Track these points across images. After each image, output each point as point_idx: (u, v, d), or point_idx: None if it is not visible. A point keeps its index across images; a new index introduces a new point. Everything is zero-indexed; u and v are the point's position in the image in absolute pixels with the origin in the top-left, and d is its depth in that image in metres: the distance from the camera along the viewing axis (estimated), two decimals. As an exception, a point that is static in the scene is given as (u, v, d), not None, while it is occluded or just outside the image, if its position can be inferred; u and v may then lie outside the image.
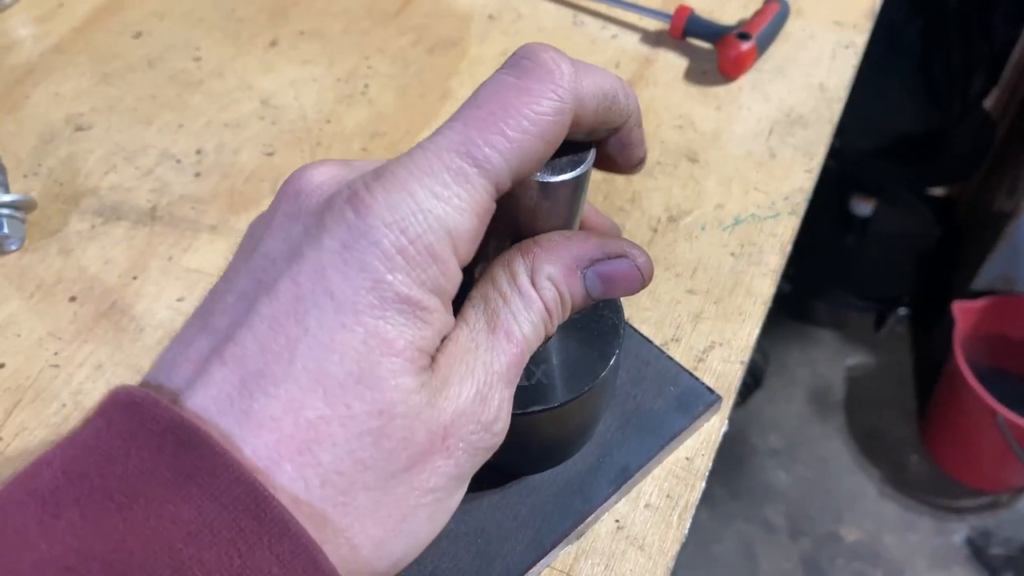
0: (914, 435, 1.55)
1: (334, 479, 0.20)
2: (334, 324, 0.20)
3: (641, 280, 0.27)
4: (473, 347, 0.23)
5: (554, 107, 0.22)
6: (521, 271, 0.25)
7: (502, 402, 0.24)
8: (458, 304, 0.24)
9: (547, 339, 0.26)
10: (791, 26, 0.60)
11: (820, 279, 1.66)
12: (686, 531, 0.38)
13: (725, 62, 0.55)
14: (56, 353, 0.43)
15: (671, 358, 0.41)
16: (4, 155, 0.51)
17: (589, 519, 0.37)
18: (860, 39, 0.59)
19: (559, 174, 0.24)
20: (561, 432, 0.36)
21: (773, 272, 0.46)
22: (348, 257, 0.20)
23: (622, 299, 0.34)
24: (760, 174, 0.50)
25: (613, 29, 0.60)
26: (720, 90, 0.56)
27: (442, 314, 0.22)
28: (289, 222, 0.22)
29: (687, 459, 0.39)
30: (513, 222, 0.26)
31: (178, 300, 0.45)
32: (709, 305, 0.45)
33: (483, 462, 0.24)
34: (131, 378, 0.42)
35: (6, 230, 0.46)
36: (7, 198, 0.46)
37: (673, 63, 0.58)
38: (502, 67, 0.23)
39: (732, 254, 0.47)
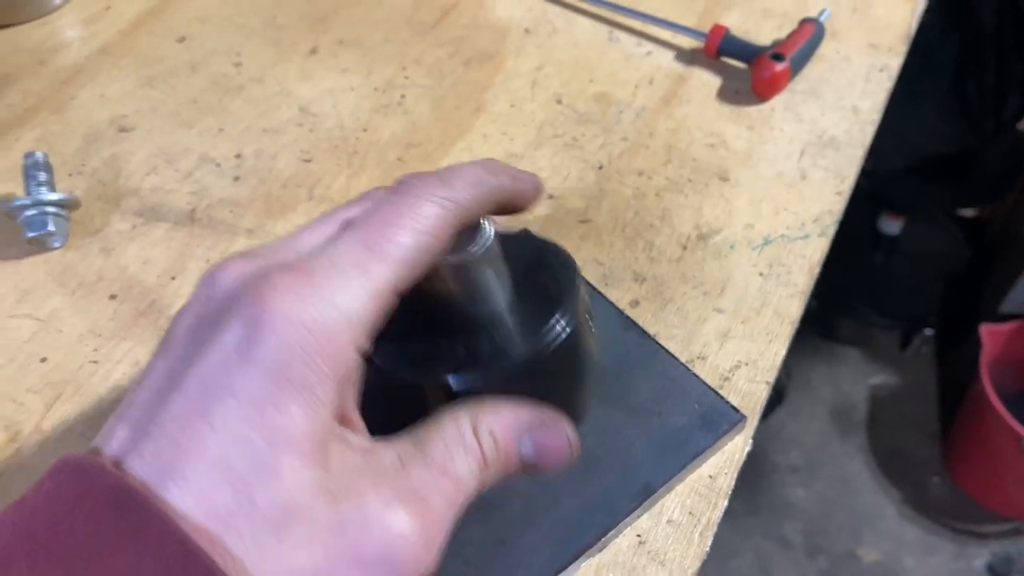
0: (937, 457, 1.54)
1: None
2: (238, 420, 0.21)
3: (569, 453, 0.30)
4: (395, 469, 0.25)
5: (434, 211, 0.25)
6: (465, 421, 0.27)
7: (428, 541, 0.24)
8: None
9: (477, 493, 0.27)
10: (825, 48, 0.60)
11: (846, 296, 1.66)
12: (707, 548, 0.38)
13: (759, 82, 0.56)
14: (95, 349, 0.44)
15: (696, 376, 0.41)
16: (50, 154, 0.52)
17: (611, 533, 0.37)
18: (895, 62, 0.59)
19: (458, 254, 0.28)
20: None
21: (801, 293, 0.46)
22: (248, 353, 0.22)
23: (578, 261, 0.35)
24: (791, 195, 0.50)
25: (648, 46, 0.61)
26: (753, 110, 0.56)
27: (338, 399, 0.23)
28: (198, 321, 0.24)
29: (710, 477, 0.40)
30: (447, 310, 0.30)
31: (214, 302, 0.46)
32: (736, 324, 0.45)
33: None
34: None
35: (51, 227, 0.47)
36: (53, 196, 0.47)
37: (707, 81, 0.58)
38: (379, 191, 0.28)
39: (761, 274, 0.47)
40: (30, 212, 0.47)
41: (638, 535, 0.38)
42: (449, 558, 0.36)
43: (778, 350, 0.44)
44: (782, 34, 0.60)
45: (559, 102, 0.57)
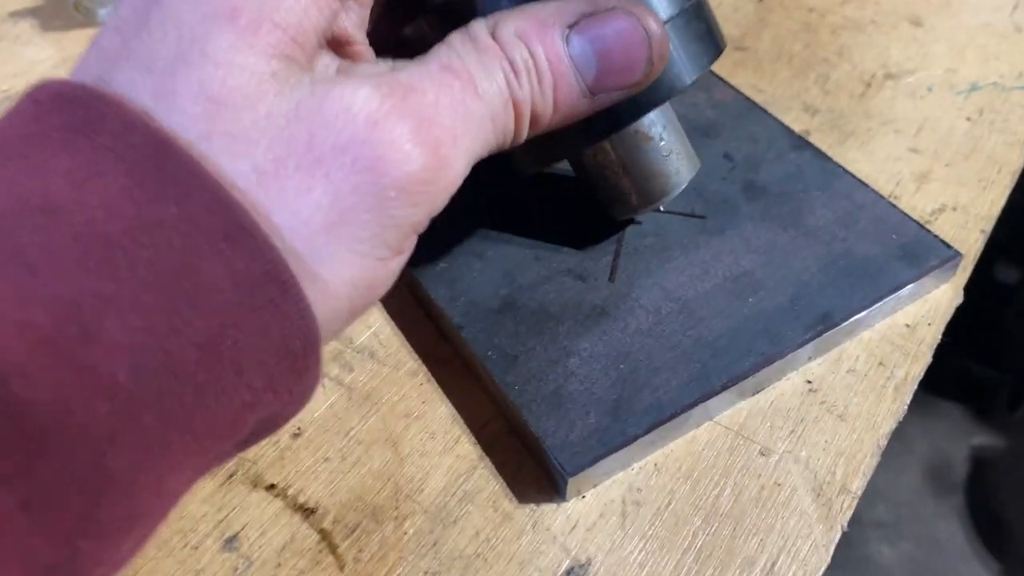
0: (1046, 532, 1.37)
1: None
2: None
3: (648, 50, 0.20)
4: (384, 72, 0.18)
5: None
6: (480, 27, 0.19)
7: (422, 142, 0.17)
8: None
9: (518, 121, 0.19)
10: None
11: (950, 344, 1.51)
12: (904, 407, 0.27)
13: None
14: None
15: (894, 205, 0.31)
16: None
17: (774, 366, 0.27)
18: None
19: None
20: None
21: (1021, 144, 0.35)
22: None
23: None
24: (1003, 46, 0.40)
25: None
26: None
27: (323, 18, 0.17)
28: None
29: (907, 326, 0.29)
30: None
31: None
32: (938, 167, 0.34)
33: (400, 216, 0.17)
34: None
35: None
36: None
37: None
38: None
39: (968, 119, 0.36)
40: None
41: (808, 381, 0.28)
42: (547, 366, 0.27)
43: (995, 199, 0.33)
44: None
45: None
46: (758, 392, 0.27)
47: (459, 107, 0.18)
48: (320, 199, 0.16)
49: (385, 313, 0.30)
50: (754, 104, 0.35)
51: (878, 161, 0.35)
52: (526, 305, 0.28)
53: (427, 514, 0.25)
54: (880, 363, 0.28)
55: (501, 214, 0.31)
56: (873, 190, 0.32)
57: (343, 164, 0.16)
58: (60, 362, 0.13)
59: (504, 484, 0.25)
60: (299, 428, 0.27)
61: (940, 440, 1.53)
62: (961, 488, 1.47)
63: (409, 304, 0.30)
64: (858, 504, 0.25)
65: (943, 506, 1.44)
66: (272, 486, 0.25)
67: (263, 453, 0.26)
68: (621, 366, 0.27)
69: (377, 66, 0.18)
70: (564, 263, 0.30)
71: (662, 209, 0.31)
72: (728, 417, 0.27)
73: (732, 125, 0.34)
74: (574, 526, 0.24)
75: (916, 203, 0.33)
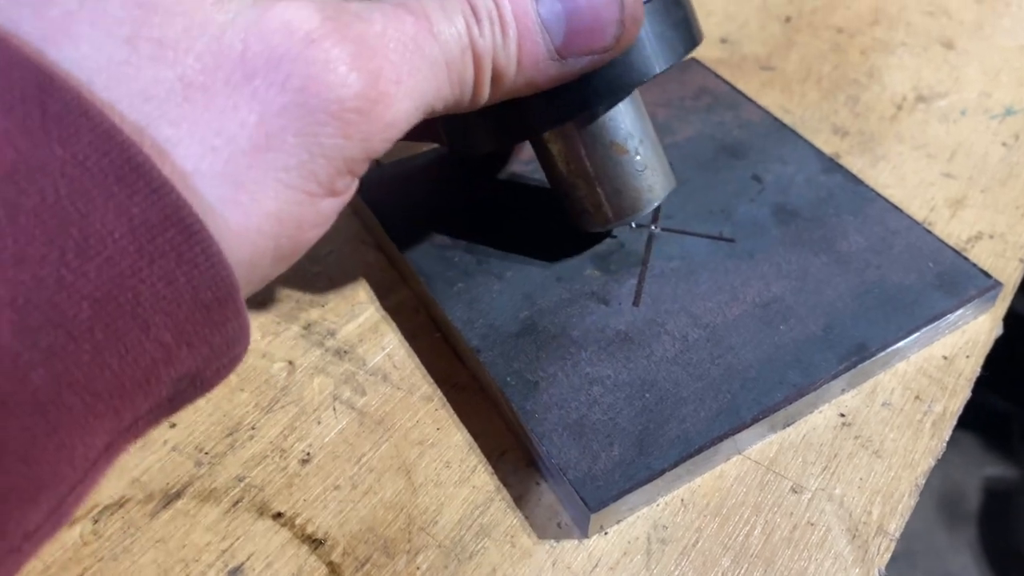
0: (1064, 564, 1.34)
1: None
2: None
3: (620, 12, 0.20)
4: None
5: None
6: None
7: (366, 71, 0.16)
8: None
9: (489, 91, 0.19)
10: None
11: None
12: (943, 445, 0.26)
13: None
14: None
15: (929, 231, 0.30)
16: None
17: (806, 398, 0.26)
18: None
19: None
20: None
21: (1061, 171, 0.34)
22: None
23: None
24: (1038, 70, 0.39)
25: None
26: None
27: None
28: None
29: (944, 358, 0.28)
30: None
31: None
32: (974, 193, 0.33)
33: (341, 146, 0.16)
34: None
35: None
36: None
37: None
38: None
39: (1004, 144, 0.35)
40: None
41: (842, 415, 0.26)
42: (569, 394, 0.25)
43: (1034, 227, 0.32)
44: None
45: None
46: (789, 425, 0.26)
47: (409, 43, 0.17)
48: (246, 117, 0.15)
49: (399, 334, 0.29)
50: (783, 125, 0.34)
51: (911, 186, 0.33)
52: (547, 329, 0.27)
53: (441, 548, 0.23)
54: (917, 397, 0.27)
55: (521, 233, 0.30)
56: (908, 216, 0.30)
57: (274, 81, 0.15)
58: None
59: (522, 518, 0.24)
60: (308, 454, 0.25)
61: (952, 470, 1.51)
62: (974, 520, 1.44)
63: (425, 325, 0.29)
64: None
65: (956, 539, 1.41)
66: (279, 514, 0.24)
67: (270, 479, 0.25)
68: (646, 395, 0.25)
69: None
70: (587, 285, 0.29)
71: (633, 226, 0.30)
72: (758, 451, 0.26)
73: (760, 146, 0.33)
74: (596, 564, 0.23)
75: (951, 230, 0.32)
